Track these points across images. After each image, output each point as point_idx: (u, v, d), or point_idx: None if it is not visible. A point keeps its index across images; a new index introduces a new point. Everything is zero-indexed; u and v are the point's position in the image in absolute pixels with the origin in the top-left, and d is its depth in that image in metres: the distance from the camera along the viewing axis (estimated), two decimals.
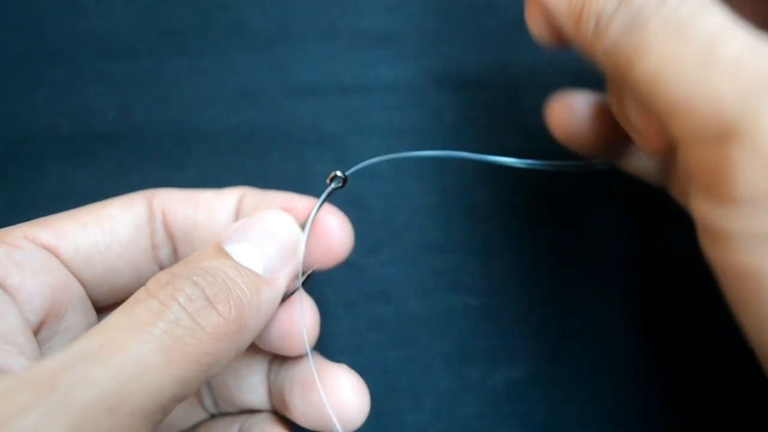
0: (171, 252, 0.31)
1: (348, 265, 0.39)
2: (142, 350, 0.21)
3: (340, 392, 0.29)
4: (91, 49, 0.40)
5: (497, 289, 0.39)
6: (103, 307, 0.30)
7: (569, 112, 0.32)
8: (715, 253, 0.21)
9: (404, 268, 0.39)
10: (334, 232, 0.30)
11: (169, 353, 0.21)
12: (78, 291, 0.28)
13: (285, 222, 0.29)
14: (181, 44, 0.40)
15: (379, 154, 0.40)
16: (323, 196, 0.29)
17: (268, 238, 0.27)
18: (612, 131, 0.32)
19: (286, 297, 0.30)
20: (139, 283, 0.29)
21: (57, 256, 0.27)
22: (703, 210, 0.21)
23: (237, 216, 0.31)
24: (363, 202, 0.39)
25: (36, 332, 0.26)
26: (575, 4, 0.23)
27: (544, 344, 0.38)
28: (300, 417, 0.30)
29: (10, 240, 0.26)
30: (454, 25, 0.40)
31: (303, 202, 0.30)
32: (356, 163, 0.39)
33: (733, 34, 0.21)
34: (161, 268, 0.31)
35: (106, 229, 0.28)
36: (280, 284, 0.27)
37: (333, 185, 0.29)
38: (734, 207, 0.20)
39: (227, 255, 0.25)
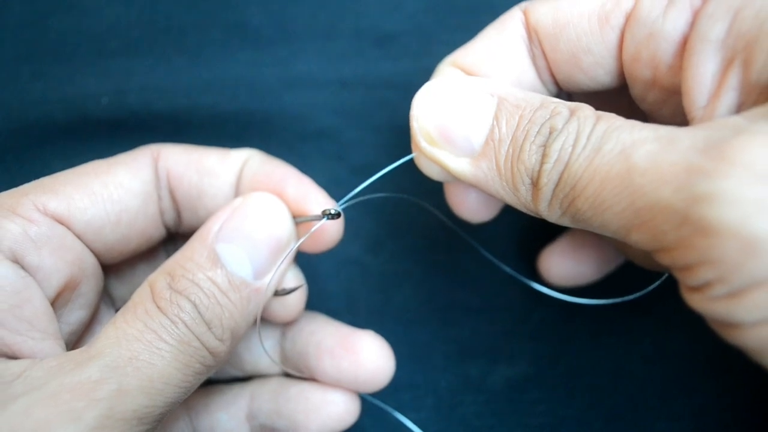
0: (176, 216, 0.31)
1: (350, 261, 0.39)
2: (166, 368, 0.24)
3: (368, 356, 0.32)
4: (91, 47, 0.40)
5: (498, 288, 0.39)
6: (111, 266, 0.31)
7: (563, 263, 0.36)
8: (721, 332, 0.21)
9: (405, 266, 0.39)
10: (327, 229, 0.31)
11: (184, 370, 0.25)
12: (91, 261, 0.28)
13: (276, 215, 0.29)
14: (181, 43, 0.40)
15: (378, 151, 0.40)
16: (312, 229, 0.30)
17: (259, 235, 0.28)
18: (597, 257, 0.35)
19: (286, 293, 0.31)
20: (147, 246, 0.31)
21: (70, 228, 0.27)
22: (700, 306, 0.21)
23: (238, 183, 0.31)
24: (365, 200, 0.39)
25: (52, 303, 0.26)
26: (504, 173, 0.25)
27: (544, 344, 0.38)
28: (327, 379, 0.32)
29: (22, 212, 0.26)
30: (454, 25, 0.40)
31: (295, 186, 0.30)
32: (356, 161, 0.40)
33: (642, 144, 0.21)
34: (168, 231, 0.32)
35: (115, 199, 0.29)
36: (269, 289, 0.29)
37: (325, 219, 0.29)
38: (733, 300, 0.19)
39: (219, 263, 0.27)
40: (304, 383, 0.33)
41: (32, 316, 0.25)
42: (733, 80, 0.23)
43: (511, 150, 0.25)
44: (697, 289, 0.20)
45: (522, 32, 0.29)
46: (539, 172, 0.24)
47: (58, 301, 0.27)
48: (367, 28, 0.40)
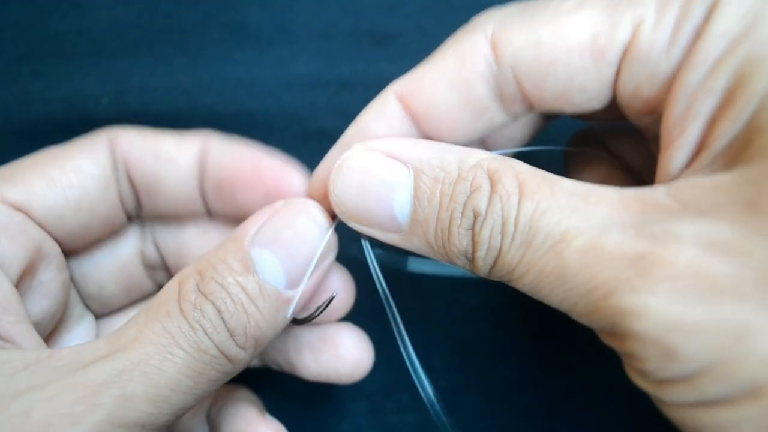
0: (135, 202, 0.31)
1: (350, 261, 0.39)
2: (176, 375, 0.23)
3: (348, 349, 0.31)
4: (91, 47, 0.40)
5: (498, 289, 0.39)
6: (72, 252, 0.30)
7: None
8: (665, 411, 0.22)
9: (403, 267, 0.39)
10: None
11: (196, 378, 0.24)
12: (52, 248, 0.28)
13: (317, 225, 0.28)
14: (181, 43, 0.40)
15: None
16: (330, 229, 0.29)
17: (297, 245, 0.27)
18: None
19: (310, 319, 0.30)
20: (109, 232, 0.30)
21: (30, 216, 0.27)
22: (635, 381, 0.22)
23: (202, 168, 0.30)
24: None
25: None
26: (437, 250, 0.25)
27: (544, 344, 0.38)
28: (308, 374, 0.32)
29: None
30: (454, 25, 0.40)
31: (271, 169, 0.30)
32: None
33: (572, 240, 0.21)
34: (129, 217, 0.31)
35: (74, 185, 0.28)
36: (300, 301, 0.28)
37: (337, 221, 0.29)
38: (664, 387, 0.21)
39: (252, 269, 0.26)
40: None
41: (3, 300, 0.24)
42: (693, 134, 0.22)
43: (439, 232, 0.24)
44: (631, 367, 0.22)
45: (484, 70, 0.25)
46: (473, 256, 0.24)
47: (19, 288, 0.26)
48: (367, 28, 0.40)
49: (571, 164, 0.33)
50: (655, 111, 0.24)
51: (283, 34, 0.40)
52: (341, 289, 0.31)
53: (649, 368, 0.20)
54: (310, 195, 0.29)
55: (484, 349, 0.38)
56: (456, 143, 0.27)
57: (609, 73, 0.24)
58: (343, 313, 0.32)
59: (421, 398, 0.38)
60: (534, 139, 0.32)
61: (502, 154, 0.28)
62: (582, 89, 0.25)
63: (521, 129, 0.31)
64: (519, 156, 0.30)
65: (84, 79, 0.40)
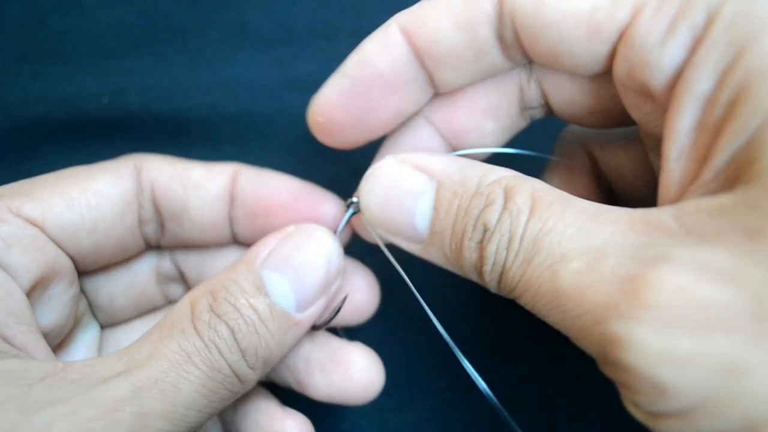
0: (158, 227, 0.31)
1: (349, 262, 0.39)
2: (191, 393, 0.23)
3: (359, 370, 0.31)
4: (91, 47, 0.40)
5: None
6: (85, 269, 0.30)
7: None
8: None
9: (405, 266, 0.39)
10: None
11: (210, 396, 0.24)
12: (64, 264, 0.28)
13: (327, 251, 0.28)
14: (181, 43, 0.40)
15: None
16: (344, 222, 0.30)
17: (307, 269, 0.28)
18: None
19: (325, 324, 0.31)
20: (123, 256, 0.30)
21: (43, 231, 0.27)
22: (628, 408, 0.21)
23: (231, 197, 0.31)
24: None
25: None
26: (452, 262, 0.26)
27: (544, 344, 0.38)
28: (318, 394, 0.31)
29: None
30: None
31: (307, 198, 0.30)
32: (356, 162, 0.39)
33: (569, 261, 0.21)
34: (146, 241, 0.31)
35: (92, 206, 0.28)
36: (308, 323, 0.28)
37: (352, 210, 0.30)
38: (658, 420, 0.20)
39: (263, 291, 0.26)
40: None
41: (16, 309, 0.24)
42: (700, 148, 0.22)
43: (453, 245, 0.25)
44: (626, 398, 0.21)
45: (489, 12, 0.25)
46: (481, 270, 0.24)
47: (29, 301, 0.26)
48: (367, 28, 0.40)
49: (550, 173, 0.33)
50: (650, 97, 0.24)
51: (283, 34, 0.40)
52: (365, 290, 0.32)
53: (641, 401, 0.20)
54: (310, 117, 0.29)
55: (484, 349, 0.38)
56: (455, 82, 0.28)
57: (602, 49, 0.24)
58: (368, 314, 0.33)
59: (421, 398, 0.38)
60: (513, 139, 0.32)
61: (480, 153, 0.29)
62: (571, 55, 0.25)
63: (501, 127, 0.31)
64: (499, 157, 0.30)
65: (84, 79, 0.40)
